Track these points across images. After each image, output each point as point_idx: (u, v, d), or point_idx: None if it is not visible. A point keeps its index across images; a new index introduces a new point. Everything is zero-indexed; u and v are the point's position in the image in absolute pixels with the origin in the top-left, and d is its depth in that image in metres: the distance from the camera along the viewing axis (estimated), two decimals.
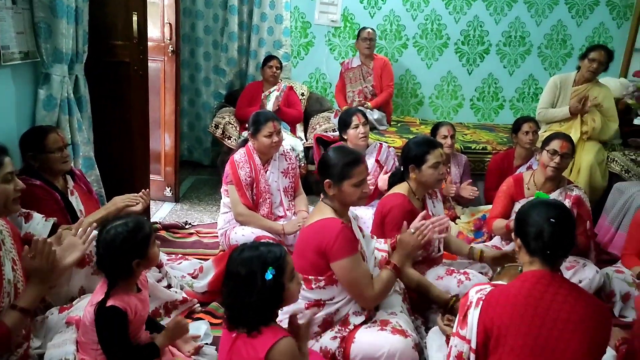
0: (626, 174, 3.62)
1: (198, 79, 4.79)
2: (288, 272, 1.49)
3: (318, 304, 1.92)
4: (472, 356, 1.52)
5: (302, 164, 3.65)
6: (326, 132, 4.00)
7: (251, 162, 2.79)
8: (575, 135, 3.61)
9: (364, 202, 2.02)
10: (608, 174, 3.72)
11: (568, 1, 4.82)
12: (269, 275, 1.43)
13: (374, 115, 4.21)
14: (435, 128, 3.45)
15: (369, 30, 4.32)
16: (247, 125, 3.36)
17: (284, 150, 2.95)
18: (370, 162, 3.20)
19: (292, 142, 3.80)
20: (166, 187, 3.87)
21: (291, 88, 4.33)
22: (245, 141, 2.93)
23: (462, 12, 4.83)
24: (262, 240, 1.50)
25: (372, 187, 3.05)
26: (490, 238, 2.96)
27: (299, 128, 4.40)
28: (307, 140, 4.15)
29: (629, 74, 4.59)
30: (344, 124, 3.17)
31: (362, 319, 1.97)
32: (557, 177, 2.70)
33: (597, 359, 1.45)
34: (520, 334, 1.42)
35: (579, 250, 2.62)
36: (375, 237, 2.25)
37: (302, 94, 4.58)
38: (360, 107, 3.86)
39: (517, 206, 2.75)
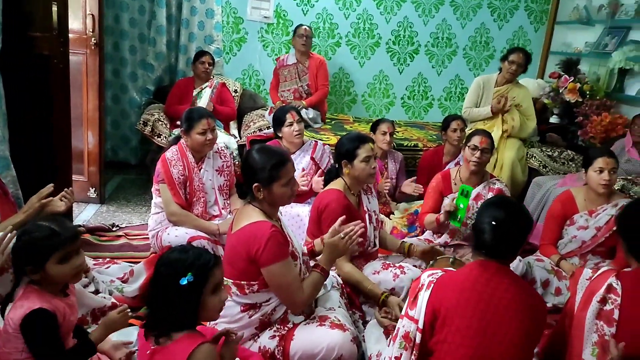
0: (544, 169, 3.88)
1: (123, 74, 4.55)
2: (211, 284, 1.42)
3: (254, 306, 1.89)
4: (418, 335, 1.59)
5: (237, 162, 3.58)
6: (260, 129, 3.96)
7: (184, 160, 2.70)
8: (497, 134, 3.83)
9: (293, 200, 2.01)
10: (528, 169, 3.97)
11: (490, 5, 5.07)
12: (183, 281, 1.36)
13: (309, 114, 4.22)
14: (376, 124, 3.53)
15: (306, 27, 4.31)
16: (178, 122, 3.26)
17: (218, 148, 2.88)
18: (306, 159, 3.20)
19: (226, 139, 3.72)
20: (90, 188, 3.66)
21: (224, 85, 4.24)
22: (178, 138, 2.83)
23: (392, 12, 4.95)
24: (199, 246, 1.43)
25: (305, 187, 3.05)
26: (423, 232, 3.07)
27: (233, 125, 4.32)
28: (240, 138, 4.08)
29: (546, 75, 4.92)
30: (278, 121, 3.15)
31: (301, 317, 1.96)
32: (480, 172, 2.85)
33: (533, 344, 1.56)
34: (466, 316, 1.51)
35: None
36: None
37: (235, 91, 4.50)
38: (294, 105, 3.84)
39: (446, 201, 2.88)
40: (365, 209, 2.46)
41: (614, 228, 2.53)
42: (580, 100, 4.16)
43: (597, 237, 2.60)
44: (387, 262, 2.42)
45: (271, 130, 3.89)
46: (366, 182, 2.47)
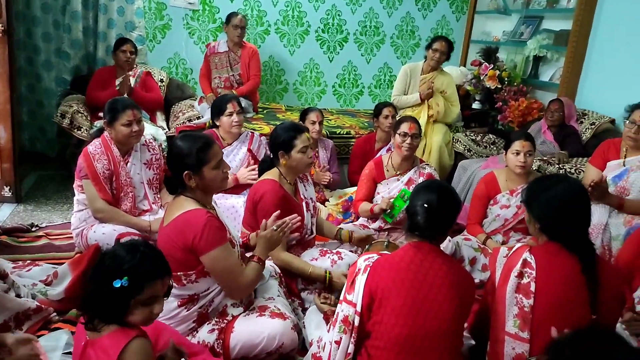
0: (468, 153, 4.07)
1: (37, 63, 4.21)
2: (145, 296, 1.35)
3: (192, 298, 1.85)
4: (357, 319, 1.63)
5: (166, 154, 3.44)
6: (190, 120, 3.83)
7: (109, 153, 2.55)
8: (423, 119, 3.97)
9: (226, 184, 1.98)
10: (454, 153, 4.15)
11: None
12: (117, 283, 1.30)
13: (241, 103, 4.13)
14: (304, 113, 3.51)
15: (241, 17, 4.19)
16: (100, 113, 3.08)
17: (145, 140, 2.76)
18: (243, 151, 3.14)
19: (153, 131, 3.56)
20: (4, 187, 3.38)
21: (148, 74, 4.06)
22: (101, 131, 2.67)
23: (320, 0, 4.94)
24: (153, 252, 1.34)
25: (253, 181, 2.99)
26: (358, 218, 3.12)
27: (160, 117, 4.14)
28: (169, 129, 3.93)
29: (468, 62, 5.14)
30: (218, 110, 3.07)
31: (240, 309, 1.94)
32: (411, 157, 2.94)
33: (463, 318, 1.65)
34: (401, 296, 1.57)
35: None
36: None
37: (162, 80, 4.31)
38: (236, 95, 3.76)
39: (380, 187, 2.94)
40: (302, 196, 2.46)
41: None
42: (500, 86, 4.39)
43: (517, 215, 2.77)
44: (325, 249, 2.44)
45: (202, 120, 3.79)
46: (303, 171, 2.47)
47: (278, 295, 2.09)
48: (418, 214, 1.63)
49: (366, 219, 3.02)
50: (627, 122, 2.69)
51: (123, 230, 2.45)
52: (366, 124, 4.40)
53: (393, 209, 2.73)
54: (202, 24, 4.67)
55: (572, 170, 3.24)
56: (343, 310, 1.67)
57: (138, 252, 1.37)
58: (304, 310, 2.24)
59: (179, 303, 1.84)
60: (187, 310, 1.85)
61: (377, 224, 2.95)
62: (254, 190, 2.36)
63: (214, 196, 2.19)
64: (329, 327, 1.75)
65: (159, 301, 1.40)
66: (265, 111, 4.57)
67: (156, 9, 4.51)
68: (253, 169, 3.04)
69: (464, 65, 5.21)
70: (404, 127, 2.88)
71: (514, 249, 1.70)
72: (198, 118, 3.84)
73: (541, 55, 4.31)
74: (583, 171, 3.10)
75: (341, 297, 1.70)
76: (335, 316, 1.70)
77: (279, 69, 5.04)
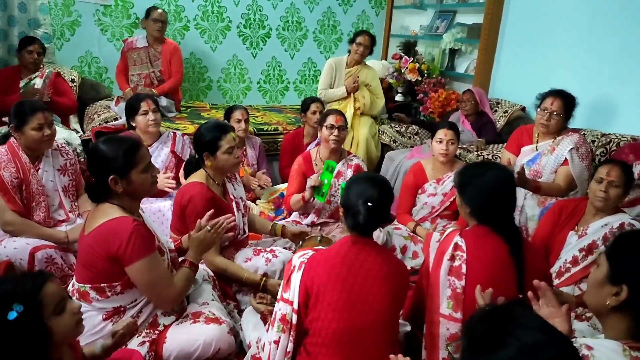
0: (394, 144, 4.18)
1: None
2: (50, 306, 1.21)
3: (118, 311, 1.75)
4: (294, 317, 1.62)
5: (82, 159, 3.23)
6: (107, 122, 3.62)
7: (17, 160, 2.34)
8: (350, 112, 4.02)
9: (155, 188, 1.88)
10: (380, 145, 4.24)
11: None
12: (12, 315, 1.15)
13: (162, 102, 3.97)
14: (229, 112, 3.42)
15: (161, 11, 4.00)
16: (5, 118, 2.82)
17: (58, 145, 2.56)
18: (164, 152, 3.01)
19: (66, 135, 3.33)
20: None
21: (58, 74, 3.78)
22: (6, 137, 2.44)
23: None
24: (12, 274, 1.20)
25: (170, 189, 2.87)
26: (290, 214, 3.10)
27: (73, 119, 3.88)
28: (84, 132, 3.69)
29: (389, 56, 5.27)
30: (132, 110, 2.90)
31: (172, 318, 1.86)
32: (338, 150, 2.96)
33: (398, 306, 1.68)
34: (337, 290, 1.57)
35: None
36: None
37: (73, 80, 4.04)
38: (150, 93, 3.59)
39: (309, 182, 2.94)
40: (231, 197, 2.40)
41: None
42: (420, 79, 4.55)
43: (443, 202, 2.88)
44: (258, 248, 2.40)
45: (120, 121, 3.60)
46: (231, 172, 2.41)
47: (212, 300, 2.03)
48: (360, 213, 1.60)
49: (298, 215, 3.01)
50: (539, 109, 2.87)
51: (37, 243, 2.26)
52: (294, 120, 4.39)
53: (322, 186, 2.73)
54: (115, 19, 4.42)
55: (490, 157, 3.41)
56: (280, 309, 1.65)
57: (5, 281, 1.21)
58: (240, 312, 2.20)
59: (104, 316, 1.73)
60: (113, 324, 1.74)
61: (310, 218, 2.95)
62: (180, 193, 2.27)
63: None
64: (268, 327, 1.72)
65: (69, 301, 1.29)
66: (188, 110, 4.42)
67: (63, 4, 4.21)
68: (170, 177, 2.90)
69: (386, 59, 5.34)
70: (330, 120, 2.89)
71: (445, 234, 1.75)
72: (115, 119, 3.64)
73: (456, 48, 4.51)
74: (499, 157, 3.27)
75: (278, 296, 1.68)
76: (273, 315, 1.68)
77: (201, 66, 4.89)
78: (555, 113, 2.79)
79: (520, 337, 0.85)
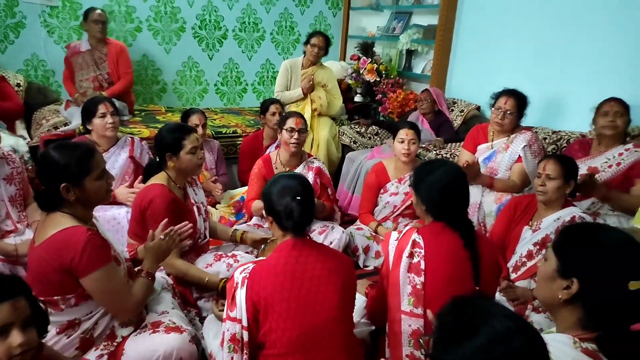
0: (354, 145, 4.20)
1: None
2: None
3: (72, 324, 1.67)
4: (245, 334, 1.57)
5: (30, 167, 3.08)
6: (56, 127, 3.47)
7: None
8: (308, 114, 4.01)
9: (110, 196, 1.81)
10: (341, 146, 4.25)
11: None
12: None
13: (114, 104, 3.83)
14: (185, 116, 3.34)
15: (99, 11, 3.85)
16: None
17: (3, 153, 2.43)
18: (122, 157, 2.90)
19: (13, 142, 3.16)
20: None
21: (3, 78, 3.59)
22: None
23: None
24: None
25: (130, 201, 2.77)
26: (251, 218, 3.06)
27: (20, 125, 3.69)
28: (31, 139, 3.52)
29: (347, 57, 5.30)
30: (89, 113, 2.79)
31: (130, 329, 1.79)
32: (299, 152, 2.95)
33: (349, 305, 1.67)
34: (284, 299, 1.53)
35: (326, 214, 2.94)
36: None
37: (18, 85, 3.85)
38: (106, 96, 3.45)
39: None
40: (192, 201, 2.35)
41: None
42: (378, 79, 4.59)
43: (405, 201, 2.91)
44: (219, 253, 2.36)
45: (70, 127, 3.46)
46: (193, 173, 2.36)
47: (172, 308, 1.97)
48: (294, 209, 1.58)
49: (260, 218, 2.97)
50: (493, 109, 2.95)
51: None
52: (252, 122, 4.34)
53: None
54: (63, 21, 4.25)
55: (448, 155, 3.48)
56: (229, 329, 1.59)
57: None
58: (202, 319, 2.15)
59: (57, 330, 1.65)
60: (68, 338, 1.66)
61: None
62: (140, 196, 2.19)
63: None
64: (220, 346, 1.67)
65: (16, 330, 1.17)
66: (143, 113, 4.30)
67: (6, 5, 4.01)
68: (134, 192, 2.80)
69: (344, 60, 5.36)
70: (290, 123, 2.87)
71: (403, 232, 1.77)
72: (65, 124, 3.49)
73: (413, 49, 4.58)
74: (457, 155, 3.34)
75: (224, 316, 1.62)
76: (222, 336, 1.62)
77: (154, 68, 4.76)
78: (508, 112, 2.87)
79: (490, 324, 0.86)
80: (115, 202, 2.78)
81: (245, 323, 1.56)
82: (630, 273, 1.07)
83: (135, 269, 1.92)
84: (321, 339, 1.56)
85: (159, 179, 2.24)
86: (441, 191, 1.70)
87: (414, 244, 1.69)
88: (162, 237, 1.81)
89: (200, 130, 3.24)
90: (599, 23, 3.16)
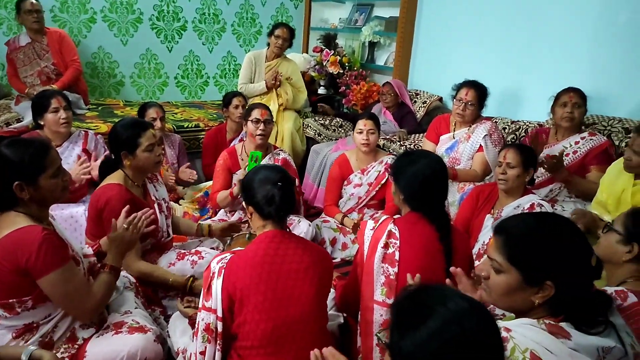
0: (319, 137, 4.19)
1: None
2: None
3: (30, 327, 1.60)
4: (219, 324, 1.55)
5: None
6: (8, 123, 3.31)
7: None
8: (274, 107, 3.97)
9: (66, 195, 1.74)
10: (305, 139, 4.23)
11: None
12: None
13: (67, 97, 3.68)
14: (142, 110, 3.24)
15: (32, 1, 3.67)
16: None
17: None
18: (76, 152, 2.79)
19: None
20: None
21: None
22: None
23: None
24: None
25: (86, 176, 2.66)
26: (216, 213, 3.01)
27: None
28: None
29: (310, 49, 5.26)
30: (40, 107, 2.66)
31: (91, 330, 1.73)
32: (265, 144, 2.91)
33: (324, 299, 1.67)
34: (261, 291, 1.52)
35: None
36: None
37: None
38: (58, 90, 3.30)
39: (236, 177, 2.87)
40: (153, 198, 2.27)
41: (382, 182, 2.88)
42: (342, 71, 4.59)
43: (369, 192, 2.93)
44: (183, 251, 2.30)
45: (23, 123, 3.31)
46: (152, 171, 2.28)
47: (136, 307, 1.92)
48: (275, 195, 1.59)
49: (225, 213, 2.93)
50: (455, 100, 2.99)
51: None
52: (215, 115, 4.26)
53: None
54: (12, 12, 4.04)
55: (412, 146, 3.52)
56: (203, 318, 1.57)
57: None
58: (167, 318, 2.09)
59: (14, 334, 1.58)
60: (25, 342, 1.59)
61: (237, 216, 2.88)
62: (96, 196, 2.11)
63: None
64: (192, 337, 1.65)
65: None
66: (100, 108, 4.15)
67: None
68: (84, 162, 2.69)
69: (307, 52, 5.33)
70: (256, 114, 2.83)
71: (379, 222, 1.77)
72: (18, 120, 3.33)
73: (375, 41, 4.59)
74: (421, 146, 3.38)
75: (199, 305, 1.60)
76: (196, 325, 1.60)
77: (111, 61, 4.60)
78: (469, 103, 2.92)
79: (444, 305, 0.86)
80: (73, 200, 2.68)
81: (220, 313, 1.54)
82: (587, 252, 1.10)
83: (98, 266, 1.85)
84: (295, 333, 1.55)
85: (115, 177, 2.16)
86: (422, 182, 1.71)
87: (390, 234, 1.69)
88: (125, 225, 1.75)
89: (158, 123, 3.15)
90: (556, 15, 3.25)
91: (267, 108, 2.91)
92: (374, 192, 2.92)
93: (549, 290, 1.12)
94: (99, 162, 2.65)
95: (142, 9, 4.61)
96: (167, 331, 1.95)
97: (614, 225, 1.58)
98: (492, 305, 1.28)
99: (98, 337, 1.72)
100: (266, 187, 1.60)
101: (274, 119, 3.68)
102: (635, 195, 2.22)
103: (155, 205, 2.26)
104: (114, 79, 4.67)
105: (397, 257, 1.66)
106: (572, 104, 2.67)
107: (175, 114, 4.23)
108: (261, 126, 2.81)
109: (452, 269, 1.42)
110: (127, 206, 1.84)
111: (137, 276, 2.11)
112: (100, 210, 2.06)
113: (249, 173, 1.73)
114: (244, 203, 1.71)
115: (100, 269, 1.76)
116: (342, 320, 1.96)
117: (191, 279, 2.10)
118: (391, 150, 3.50)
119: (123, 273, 2.07)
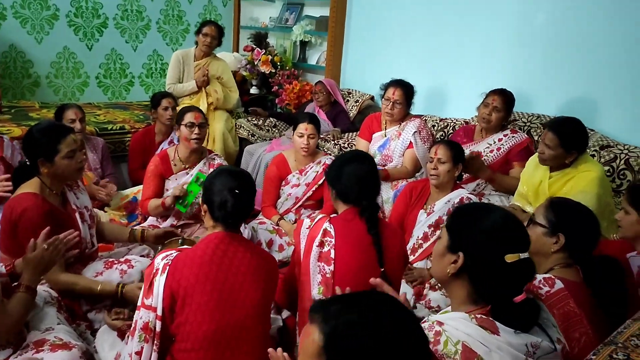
0: (252, 137, 4.12)
1: None
2: None
3: None
4: (158, 323, 1.51)
5: None
6: None
7: None
8: (203, 107, 3.86)
9: (81, 174, 1.64)
10: (238, 139, 4.15)
11: None
12: None
13: None
14: (60, 112, 3.02)
15: None
16: None
17: None
18: None
19: None
20: None
21: None
22: None
23: None
24: None
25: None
26: (145, 219, 2.87)
27: None
28: None
29: (240, 48, 5.18)
30: None
31: (8, 352, 1.60)
32: (199, 148, 2.81)
33: (268, 304, 1.66)
34: (206, 291, 1.49)
35: None
36: None
37: None
38: None
39: (169, 183, 2.75)
40: (73, 207, 2.11)
41: (320, 182, 2.88)
42: (274, 71, 4.55)
43: (306, 192, 2.91)
44: (110, 260, 2.16)
45: None
46: (72, 179, 2.11)
47: (58, 323, 1.79)
48: (228, 201, 1.56)
49: (156, 219, 2.80)
50: (383, 99, 3.05)
51: None
52: (142, 117, 4.07)
53: (187, 196, 2.58)
54: None
55: (346, 145, 3.55)
56: (142, 317, 1.51)
57: None
58: (94, 332, 1.97)
59: None
60: None
61: (169, 222, 2.76)
62: (9, 207, 1.92)
63: None
64: (127, 338, 1.58)
65: None
66: (13, 110, 3.84)
67: None
68: (7, 179, 2.47)
69: (237, 51, 5.24)
70: (190, 117, 2.72)
71: (315, 220, 1.77)
72: None
73: (306, 40, 4.60)
74: (355, 144, 3.41)
75: (139, 303, 1.54)
76: (133, 324, 1.54)
77: (25, 60, 4.28)
78: (397, 102, 2.99)
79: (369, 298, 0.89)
80: None
81: (160, 312, 1.50)
82: (508, 247, 1.14)
83: (13, 285, 1.70)
84: (237, 337, 1.53)
85: (31, 186, 1.97)
86: (358, 180, 1.76)
87: (325, 232, 1.70)
88: (45, 246, 1.62)
89: (77, 125, 2.96)
90: (480, 15, 3.40)
91: (200, 111, 2.81)
92: (311, 192, 2.91)
93: (459, 261, 1.16)
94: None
95: (57, 4, 4.33)
96: (94, 346, 1.84)
97: (535, 218, 1.63)
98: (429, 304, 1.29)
99: (16, 357, 1.59)
100: (223, 192, 1.58)
101: None
102: (552, 187, 2.36)
103: (77, 215, 2.10)
104: (29, 79, 4.35)
105: (332, 255, 1.67)
106: (492, 107, 2.78)
107: (98, 115, 4.00)
108: (196, 130, 2.71)
109: (371, 280, 1.43)
110: (48, 227, 1.70)
111: (60, 288, 1.96)
112: (14, 223, 1.89)
113: (212, 173, 1.70)
114: (200, 199, 1.70)
115: (15, 289, 1.62)
116: (281, 324, 1.93)
117: (121, 285, 1.98)
118: (325, 150, 3.51)
119: (43, 287, 1.93)
